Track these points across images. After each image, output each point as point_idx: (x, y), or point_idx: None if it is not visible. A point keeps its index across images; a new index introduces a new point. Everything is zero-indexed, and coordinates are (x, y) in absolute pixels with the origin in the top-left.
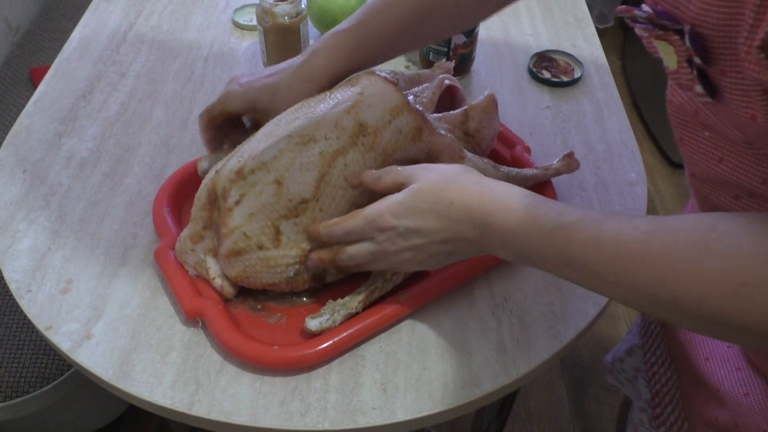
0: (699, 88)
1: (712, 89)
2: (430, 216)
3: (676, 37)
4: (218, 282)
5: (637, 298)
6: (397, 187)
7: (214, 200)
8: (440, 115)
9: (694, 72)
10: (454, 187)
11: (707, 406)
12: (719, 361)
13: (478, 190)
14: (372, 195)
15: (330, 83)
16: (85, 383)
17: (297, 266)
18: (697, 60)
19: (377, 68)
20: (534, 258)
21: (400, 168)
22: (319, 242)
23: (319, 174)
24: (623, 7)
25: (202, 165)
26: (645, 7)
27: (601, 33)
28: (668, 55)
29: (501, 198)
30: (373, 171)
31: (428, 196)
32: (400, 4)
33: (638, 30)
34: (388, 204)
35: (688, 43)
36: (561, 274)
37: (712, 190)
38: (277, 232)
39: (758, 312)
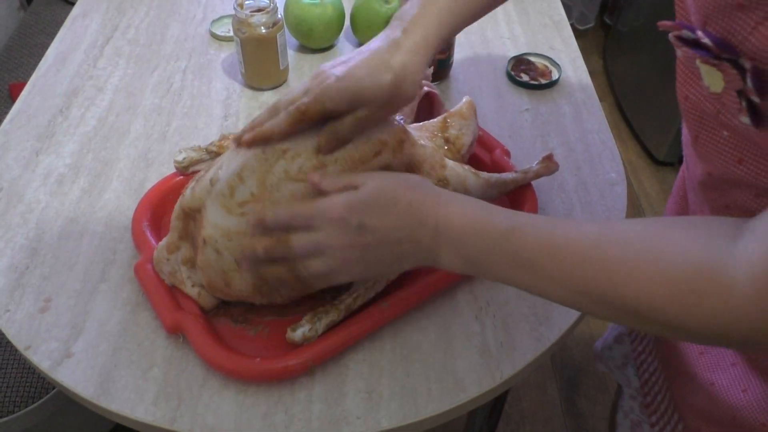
0: (746, 119)
1: (758, 118)
2: (387, 214)
3: (733, 71)
4: (195, 291)
5: (588, 301)
6: (350, 188)
7: (190, 212)
8: (420, 124)
9: (744, 103)
10: (412, 191)
11: (698, 399)
12: (715, 356)
13: (434, 196)
14: None
15: (434, 52)
16: (70, 401)
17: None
18: (754, 98)
19: None
20: (485, 263)
21: (351, 173)
22: (265, 231)
23: (296, 188)
24: (667, 22)
25: (178, 158)
26: (699, 31)
27: (582, 34)
28: (713, 78)
29: (455, 202)
30: (319, 172)
31: (387, 195)
32: None
33: (676, 43)
34: (343, 197)
35: (750, 84)
36: (510, 279)
37: (731, 189)
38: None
39: (707, 318)
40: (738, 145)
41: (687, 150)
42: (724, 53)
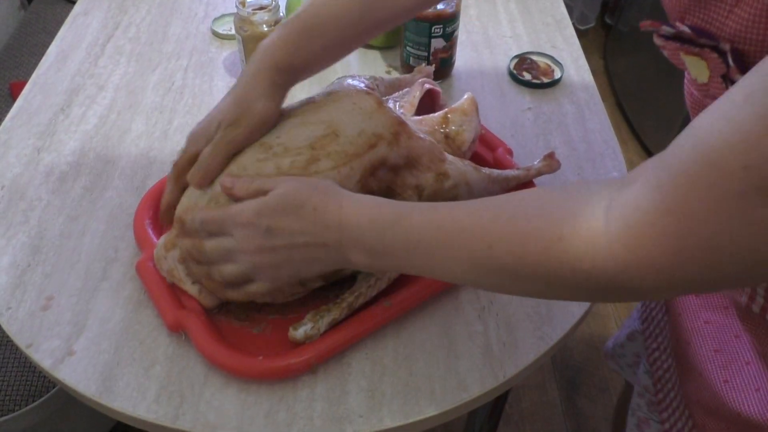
0: None
1: None
2: (294, 218)
3: (714, 55)
4: (195, 289)
5: (473, 270)
6: (260, 193)
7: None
8: (419, 118)
9: (728, 86)
10: (317, 195)
11: (705, 395)
12: (729, 354)
13: (337, 198)
14: None
15: (277, 91)
16: (71, 399)
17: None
18: (737, 78)
19: (355, 74)
20: (384, 253)
21: (263, 178)
22: (186, 233)
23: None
24: (648, 22)
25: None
26: (678, 24)
27: (583, 33)
28: (698, 69)
29: (355, 201)
30: (232, 177)
31: (293, 200)
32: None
33: (661, 42)
34: (252, 203)
35: (731, 62)
36: (409, 266)
37: None
38: None
39: (572, 262)
40: None
41: None
42: (703, 39)
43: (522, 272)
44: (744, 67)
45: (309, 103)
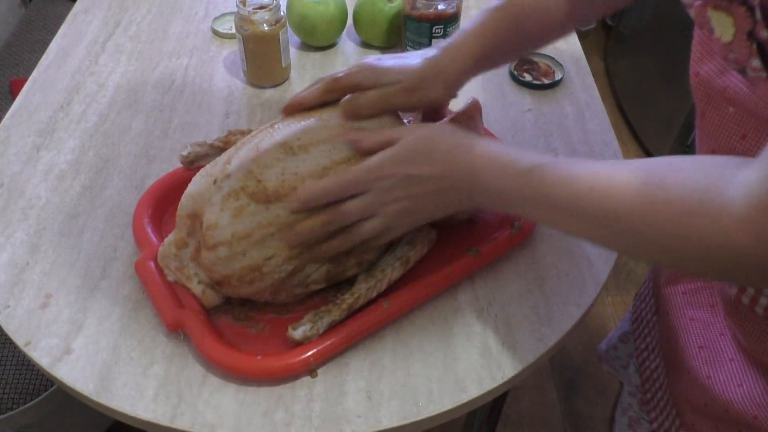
0: (756, 62)
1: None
2: (429, 164)
3: (742, 9)
4: (199, 289)
5: (596, 230)
6: (388, 144)
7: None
8: (424, 123)
9: (754, 45)
10: (445, 139)
11: (694, 393)
12: (713, 351)
13: (467, 140)
14: None
15: (456, 83)
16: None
17: (281, 271)
18: (764, 33)
19: None
20: (513, 203)
21: (387, 129)
22: (304, 212)
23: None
24: None
25: (183, 152)
26: None
27: (584, 35)
28: (724, 26)
29: (486, 145)
30: (358, 130)
31: (425, 146)
32: (518, 7)
33: (695, 4)
34: (386, 154)
35: (758, 16)
36: (535, 216)
37: None
38: (263, 238)
39: (700, 238)
40: (742, 121)
41: (697, 130)
42: None
43: (648, 239)
44: None
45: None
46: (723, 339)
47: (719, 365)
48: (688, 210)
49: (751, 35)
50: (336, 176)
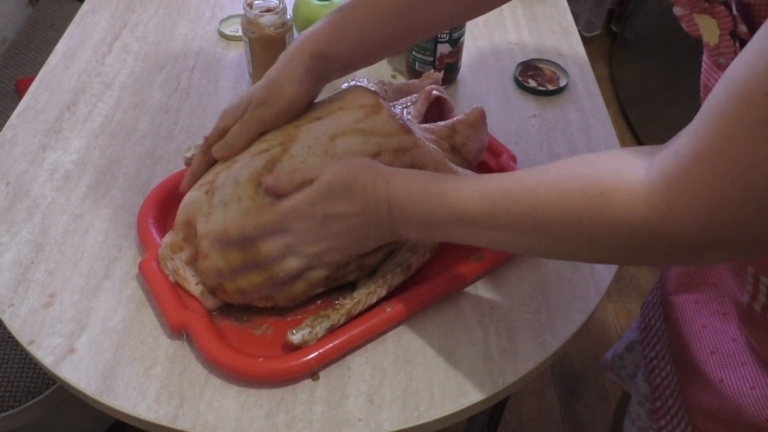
0: None
1: None
2: (346, 201)
3: (721, 8)
4: (198, 290)
5: (520, 234)
6: (305, 183)
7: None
8: (427, 126)
9: (737, 44)
10: (363, 174)
11: (706, 397)
12: (725, 355)
13: (383, 175)
14: None
15: (306, 77)
16: (71, 397)
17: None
18: (742, 29)
19: (364, 78)
20: (436, 228)
21: (306, 167)
22: (231, 246)
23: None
24: None
25: (187, 154)
26: None
27: (589, 41)
28: (709, 29)
29: (401, 176)
30: (273, 175)
31: (342, 183)
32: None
33: (678, 9)
34: (303, 195)
35: (735, 11)
36: (462, 237)
37: None
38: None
39: (614, 216)
40: None
41: None
42: None
43: (566, 231)
44: (747, 16)
45: (317, 107)
46: (735, 344)
47: (732, 369)
48: (600, 191)
49: (734, 34)
50: (254, 218)
